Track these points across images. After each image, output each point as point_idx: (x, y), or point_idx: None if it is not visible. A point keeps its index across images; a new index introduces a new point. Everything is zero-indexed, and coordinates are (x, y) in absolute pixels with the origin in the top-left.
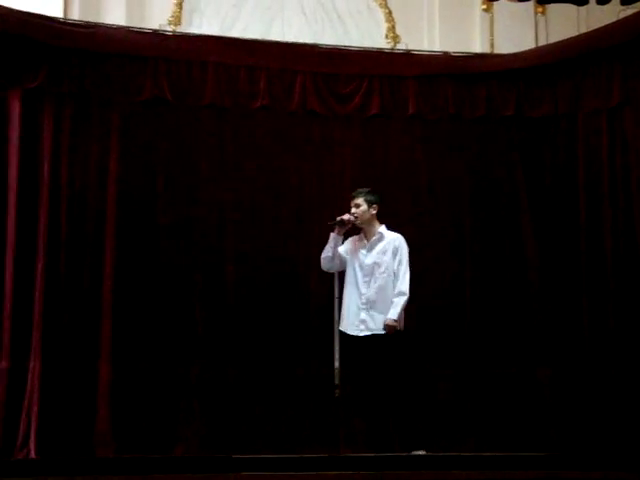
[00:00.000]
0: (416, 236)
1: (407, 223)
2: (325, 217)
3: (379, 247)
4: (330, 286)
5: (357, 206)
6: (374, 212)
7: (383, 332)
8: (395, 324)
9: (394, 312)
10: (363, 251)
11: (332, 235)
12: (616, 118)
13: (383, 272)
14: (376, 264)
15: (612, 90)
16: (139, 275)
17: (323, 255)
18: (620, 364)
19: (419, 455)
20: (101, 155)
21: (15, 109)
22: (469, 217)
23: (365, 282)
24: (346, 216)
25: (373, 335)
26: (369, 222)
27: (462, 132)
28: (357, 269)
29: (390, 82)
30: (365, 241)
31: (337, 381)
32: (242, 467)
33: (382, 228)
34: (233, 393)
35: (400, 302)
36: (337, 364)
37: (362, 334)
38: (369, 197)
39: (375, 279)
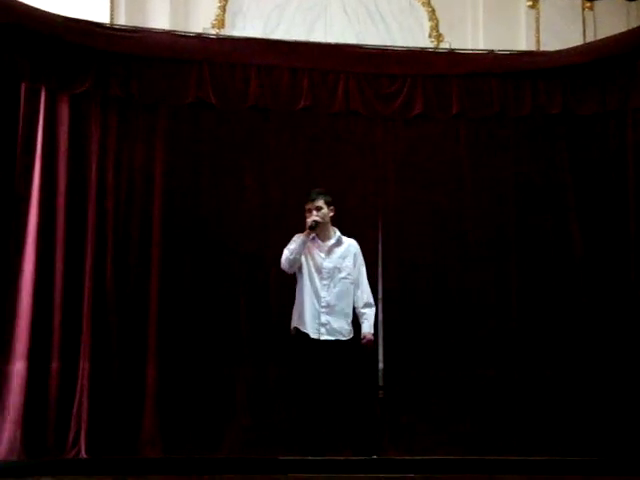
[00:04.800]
0: (461, 237)
1: (451, 225)
2: (367, 217)
3: (339, 251)
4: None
5: (318, 209)
6: (332, 214)
7: (345, 338)
8: (373, 337)
9: (370, 325)
10: (321, 254)
11: (304, 238)
12: None
13: (345, 277)
14: (337, 269)
15: None
16: (185, 276)
17: (292, 256)
18: None
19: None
20: (146, 157)
21: (63, 113)
22: (514, 218)
23: (325, 285)
24: (318, 219)
25: (336, 341)
26: (326, 224)
27: (507, 131)
28: (313, 271)
29: (434, 82)
30: (320, 243)
31: (381, 382)
32: (288, 469)
33: (337, 231)
34: (278, 394)
35: (372, 314)
36: (381, 365)
37: (323, 338)
38: (327, 198)
39: (335, 284)
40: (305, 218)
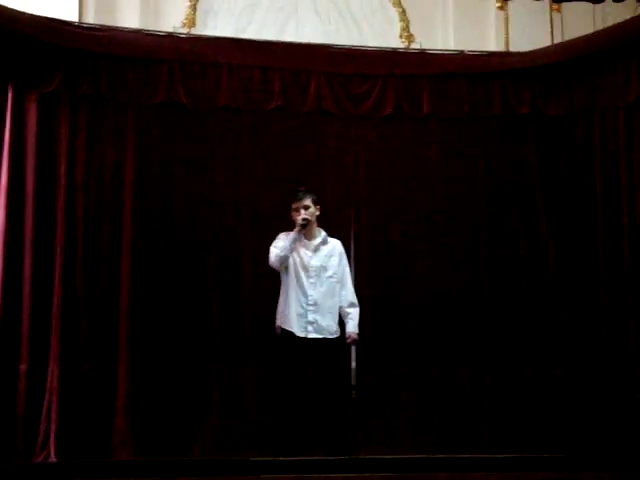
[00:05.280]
0: (432, 236)
1: (422, 225)
2: (339, 217)
3: (325, 250)
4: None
5: (306, 207)
6: (318, 213)
7: (332, 337)
8: (357, 337)
9: (355, 325)
10: (308, 252)
11: (295, 235)
12: (633, 115)
13: (330, 277)
14: (323, 267)
15: (629, 87)
16: (156, 276)
17: (282, 254)
18: (638, 365)
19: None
20: (117, 158)
21: (32, 113)
22: (485, 216)
23: (311, 284)
24: (308, 217)
25: (323, 339)
26: (312, 223)
27: (477, 131)
28: (300, 269)
29: (404, 82)
30: (306, 241)
31: (354, 382)
32: (260, 470)
33: (322, 230)
34: (251, 394)
35: (357, 314)
36: (354, 364)
37: (310, 336)
38: (314, 197)
39: (321, 282)
40: (290, 217)
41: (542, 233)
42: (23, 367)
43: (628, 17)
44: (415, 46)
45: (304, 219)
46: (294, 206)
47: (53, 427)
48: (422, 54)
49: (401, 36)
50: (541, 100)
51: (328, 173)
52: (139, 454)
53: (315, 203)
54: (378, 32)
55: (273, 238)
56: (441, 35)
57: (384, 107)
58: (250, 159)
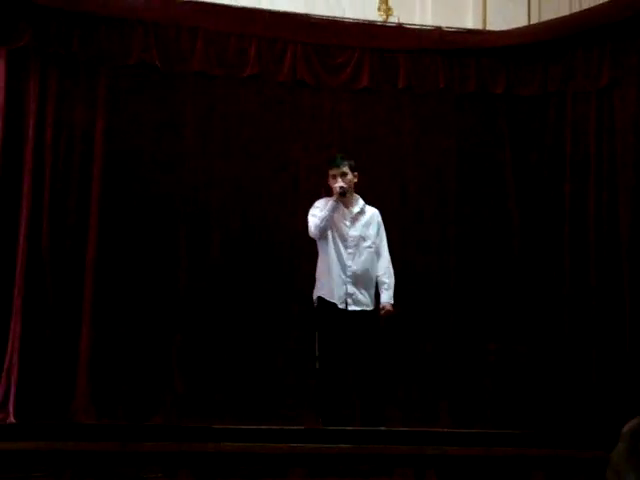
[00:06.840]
0: (402, 211)
1: (393, 197)
2: (310, 186)
3: (363, 219)
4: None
5: (344, 175)
6: (356, 180)
7: (370, 309)
8: (392, 309)
9: (390, 296)
10: (346, 222)
11: (334, 204)
12: (605, 99)
13: (369, 247)
14: (361, 237)
15: (602, 70)
16: (123, 240)
17: (322, 224)
18: (600, 343)
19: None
20: (87, 118)
21: (0, 68)
22: (455, 193)
23: (350, 254)
24: (346, 186)
25: (362, 311)
26: (349, 191)
27: (451, 108)
28: (338, 240)
29: (381, 55)
30: (345, 211)
31: (317, 353)
32: (222, 437)
33: (360, 198)
34: (215, 362)
35: (392, 284)
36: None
37: (350, 309)
38: (351, 163)
39: (360, 253)
40: (328, 184)
41: (511, 212)
42: None
43: (604, 0)
44: (393, 19)
45: (342, 187)
46: (331, 173)
47: (13, 388)
48: (399, 28)
49: (379, 9)
50: (515, 80)
51: (301, 144)
52: (101, 418)
53: (352, 170)
54: (356, 3)
55: (243, 205)
56: (419, 10)
57: (359, 80)
58: (223, 125)
